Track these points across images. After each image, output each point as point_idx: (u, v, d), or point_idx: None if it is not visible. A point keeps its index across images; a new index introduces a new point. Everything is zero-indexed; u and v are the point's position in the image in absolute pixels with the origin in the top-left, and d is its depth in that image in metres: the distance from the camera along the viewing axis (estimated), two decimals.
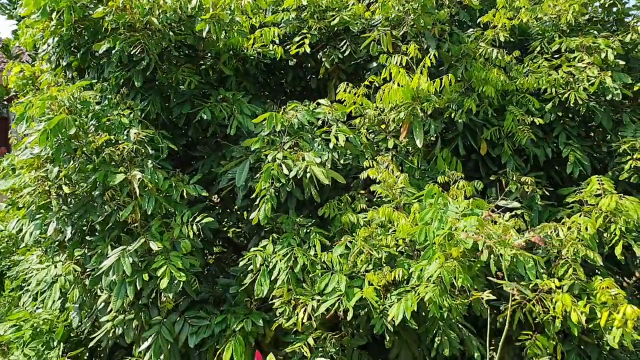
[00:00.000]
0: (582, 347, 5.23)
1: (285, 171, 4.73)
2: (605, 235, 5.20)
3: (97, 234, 5.16)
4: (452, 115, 5.56)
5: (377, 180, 4.85)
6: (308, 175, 4.74)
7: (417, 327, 4.47)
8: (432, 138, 5.43)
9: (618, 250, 5.01)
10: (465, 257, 4.06)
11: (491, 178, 5.71)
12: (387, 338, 4.62)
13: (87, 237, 5.27)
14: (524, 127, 5.66)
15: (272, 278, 4.69)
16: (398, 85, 5.05)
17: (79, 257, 5.26)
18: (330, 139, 5.10)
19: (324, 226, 5.26)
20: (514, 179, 5.59)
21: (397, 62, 5.18)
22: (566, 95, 5.83)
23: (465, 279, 3.94)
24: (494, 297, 3.62)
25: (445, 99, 5.41)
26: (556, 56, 6.25)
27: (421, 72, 5.01)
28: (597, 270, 5.32)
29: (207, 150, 5.83)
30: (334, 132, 5.12)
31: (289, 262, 4.61)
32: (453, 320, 4.64)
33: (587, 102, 5.84)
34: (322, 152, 5.00)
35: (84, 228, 5.19)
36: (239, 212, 5.87)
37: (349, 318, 4.34)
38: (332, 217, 5.17)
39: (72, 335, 5.75)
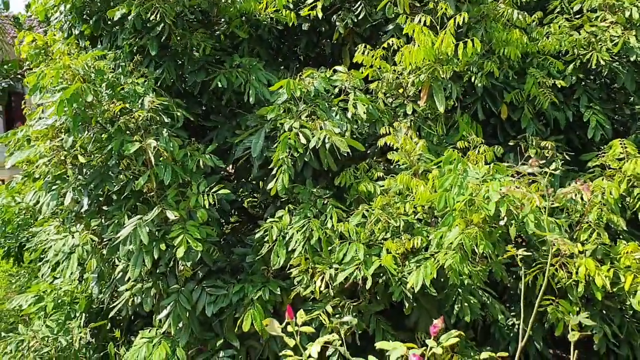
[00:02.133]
0: (605, 311, 5.17)
1: (303, 140, 4.65)
2: (628, 199, 5.10)
3: (113, 203, 5.14)
4: (472, 78, 5.42)
5: (395, 148, 4.75)
6: (327, 145, 4.65)
7: (436, 294, 4.43)
8: (452, 103, 5.30)
9: None
10: (485, 224, 3.98)
11: (510, 143, 5.60)
12: (406, 305, 4.58)
13: (104, 207, 5.26)
14: (545, 90, 5.52)
15: (289, 249, 4.66)
16: (418, 46, 4.91)
17: (95, 227, 5.26)
18: (348, 108, 5.00)
19: (340, 195, 5.20)
20: (534, 143, 5.47)
21: (419, 21, 5.03)
22: (588, 57, 5.65)
23: (487, 246, 3.88)
24: (527, 253, 3.54)
25: (464, 61, 5.26)
26: (577, 16, 6.05)
27: (444, 32, 4.86)
28: (619, 235, 5.22)
29: (222, 119, 5.75)
30: (352, 101, 5.01)
31: (306, 234, 4.56)
32: (473, 287, 4.59)
33: (610, 63, 5.66)
34: (341, 121, 4.91)
35: (100, 198, 5.18)
36: (254, 182, 5.82)
37: (367, 286, 4.30)
38: (349, 186, 5.11)
39: (93, 305, 5.78)
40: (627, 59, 5.77)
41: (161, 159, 4.68)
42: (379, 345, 2.44)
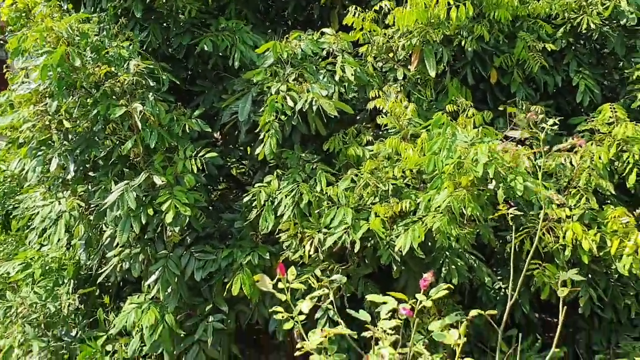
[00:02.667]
0: (590, 275, 5.22)
1: (291, 103, 4.60)
2: (617, 164, 5.10)
3: (100, 169, 5.09)
4: (462, 42, 5.36)
5: (385, 111, 4.72)
6: (314, 107, 4.60)
7: (424, 257, 4.44)
8: (442, 67, 5.25)
9: (632, 179, 4.92)
10: (474, 187, 3.98)
11: (500, 108, 5.57)
12: (394, 268, 4.60)
13: (90, 173, 5.21)
14: (535, 53, 5.47)
15: (278, 213, 4.64)
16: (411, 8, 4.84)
17: (82, 193, 5.22)
18: (336, 70, 4.94)
19: (329, 160, 5.17)
20: (524, 108, 5.45)
21: None
22: (578, 20, 5.60)
23: (475, 208, 3.88)
24: (518, 212, 3.54)
25: (455, 25, 5.20)
26: None
27: None
28: (607, 200, 5.25)
29: (208, 83, 5.68)
30: (340, 64, 4.95)
31: (295, 198, 4.55)
32: (460, 250, 4.61)
33: (601, 27, 5.61)
34: (328, 84, 4.86)
35: (87, 164, 5.13)
36: (242, 148, 5.77)
37: (356, 250, 4.30)
38: (338, 151, 5.08)
39: (81, 272, 5.77)
40: (618, 23, 5.72)
41: (147, 123, 4.62)
42: (369, 297, 2.45)
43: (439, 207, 3.95)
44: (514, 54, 5.52)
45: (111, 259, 5.08)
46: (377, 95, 4.80)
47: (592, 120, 5.37)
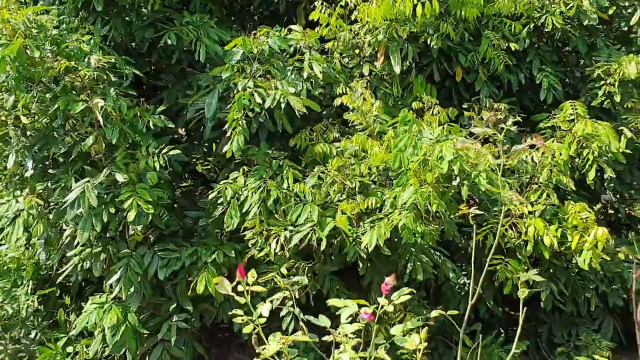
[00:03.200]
0: (552, 270, 5.32)
1: (259, 100, 4.55)
2: (577, 160, 5.20)
3: (59, 167, 4.96)
4: (428, 40, 5.38)
5: (352, 108, 4.71)
6: (282, 105, 4.57)
7: (389, 254, 4.45)
8: (408, 64, 5.26)
9: (591, 175, 5.03)
10: (439, 183, 4.00)
11: (464, 105, 5.62)
12: (360, 265, 4.60)
13: (49, 171, 5.06)
14: (500, 52, 5.54)
15: (244, 211, 4.60)
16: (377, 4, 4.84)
17: (41, 191, 5.06)
18: (304, 67, 4.90)
19: (296, 157, 5.14)
20: (487, 105, 5.51)
21: None
22: (542, 20, 5.68)
23: (440, 205, 3.90)
24: (479, 212, 3.57)
25: (421, 22, 5.21)
26: None
27: None
28: (568, 196, 5.35)
29: (172, 78, 5.58)
30: (308, 61, 4.92)
31: (261, 195, 4.50)
32: (426, 246, 4.64)
33: (563, 26, 5.71)
34: (296, 81, 4.82)
35: (46, 161, 4.98)
36: (207, 145, 5.69)
37: (322, 247, 4.29)
38: (304, 148, 5.06)
39: (40, 272, 5.62)
40: (580, 22, 5.82)
41: (109, 119, 4.51)
42: (330, 302, 2.42)
43: (404, 204, 3.95)
44: (479, 52, 5.57)
45: (72, 259, 4.95)
46: (344, 92, 4.78)
47: (554, 117, 5.47)
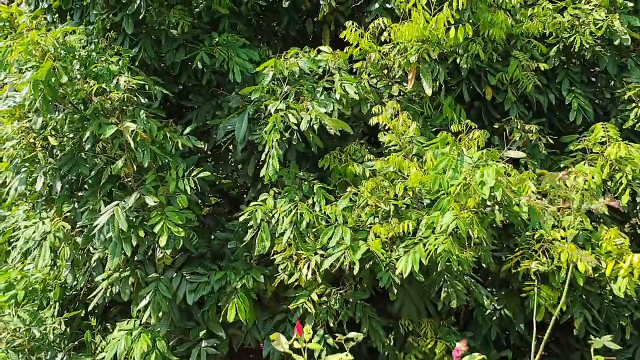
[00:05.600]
0: (584, 296, 5.21)
1: (293, 121, 4.50)
2: (609, 183, 5.11)
3: (87, 188, 4.92)
4: (458, 60, 5.32)
5: (387, 128, 4.64)
6: (316, 126, 4.52)
7: (423, 280, 4.37)
8: (438, 84, 5.21)
9: (625, 199, 4.94)
10: (478, 208, 3.93)
11: (495, 126, 5.55)
12: (394, 291, 4.51)
13: (77, 192, 5.02)
14: (529, 72, 5.47)
15: (276, 234, 4.53)
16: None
17: (68, 214, 5.02)
18: (336, 88, 4.85)
19: (323, 178, 5.08)
20: (519, 127, 5.43)
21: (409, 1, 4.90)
22: (571, 40, 5.61)
23: (481, 231, 3.82)
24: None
25: (450, 43, 5.16)
26: None
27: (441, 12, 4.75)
28: (600, 220, 5.25)
29: (201, 99, 5.54)
30: (339, 81, 4.87)
31: (293, 218, 4.44)
32: (459, 272, 4.55)
33: (593, 47, 5.63)
34: (326, 102, 4.77)
35: (74, 183, 4.94)
36: (233, 164, 5.64)
37: (355, 272, 4.21)
38: (332, 169, 4.99)
39: (66, 294, 5.56)
40: (610, 42, 5.75)
41: (139, 141, 4.46)
42: None
43: (445, 228, 3.86)
44: (508, 72, 5.51)
45: (99, 282, 4.90)
46: (379, 112, 4.72)
47: (584, 139, 5.39)
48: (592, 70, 6.31)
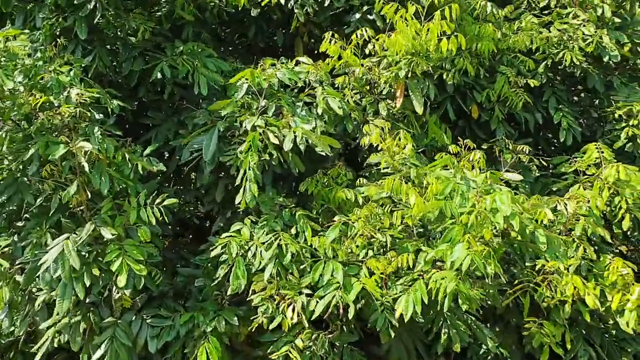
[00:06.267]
0: (584, 331, 4.83)
1: (274, 141, 3.96)
2: (607, 209, 4.78)
3: (29, 218, 4.21)
4: (444, 76, 4.91)
5: (379, 149, 4.14)
6: (302, 146, 3.99)
7: (422, 320, 3.88)
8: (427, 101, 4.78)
9: (626, 224, 4.60)
10: (494, 239, 3.47)
11: (483, 147, 5.16)
12: (387, 333, 3.98)
13: (17, 223, 4.31)
14: (518, 90, 5.13)
15: (253, 270, 3.96)
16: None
17: (5, 249, 4.29)
18: (318, 103, 4.35)
19: (303, 205, 4.55)
20: (510, 147, 5.06)
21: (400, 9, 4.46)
22: (560, 55, 5.30)
23: (497, 266, 3.37)
24: None
25: (437, 57, 4.75)
26: (545, 12, 5.70)
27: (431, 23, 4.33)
28: (596, 247, 4.90)
29: (162, 116, 4.92)
30: (322, 96, 4.37)
31: (275, 251, 3.87)
32: (461, 311, 4.07)
33: (582, 63, 5.33)
34: (309, 118, 4.26)
35: (13, 212, 4.23)
36: (197, 189, 5.01)
37: (350, 315, 3.66)
38: (315, 194, 4.46)
39: (1, 341, 4.77)
40: (598, 59, 5.47)
41: (95, 164, 3.82)
42: None
43: (458, 264, 3.37)
44: (494, 89, 5.15)
45: (44, 330, 4.16)
46: (371, 131, 4.22)
47: (576, 161, 5.06)
48: (573, 88, 6.04)
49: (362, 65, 4.78)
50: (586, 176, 4.87)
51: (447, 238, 3.50)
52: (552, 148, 5.75)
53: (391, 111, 4.71)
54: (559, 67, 5.43)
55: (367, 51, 4.76)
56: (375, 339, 4.41)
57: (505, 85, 5.11)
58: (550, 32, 5.42)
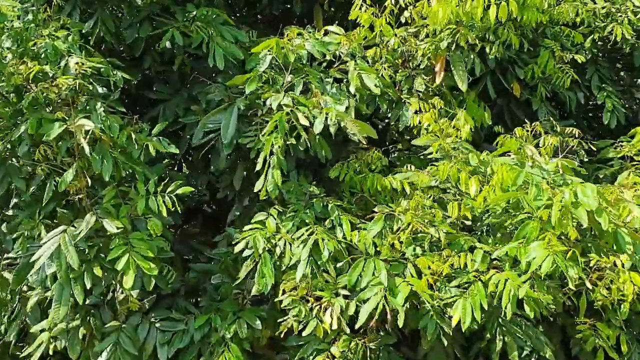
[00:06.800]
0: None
1: (304, 122, 3.41)
2: None
3: (20, 207, 3.65)
4: (487, 48, 4.38)
5: (430, 130, 3.60)
6: (332, 128, 3.45)
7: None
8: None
9: None
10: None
11: (527, 128, 4.66)
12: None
13: (6, 211, 3.74)
14: (564, 65, 4.62)
15: (282, 267, 3.45)
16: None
17: None
18: (350, 79, 3.81)
19: (329, 192, 4.03)
20: (557, 129, 4.56)
21: None
22: (609, 30, 4.79)
23: (580, 270, 2.88)
24: None
25: (481, 27, 4.22)
26: None
27: None
28: None
29: (169, 90, 4.34)
30: (354, 71, 3.83)
31: (310, 248, 3.34)
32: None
33: (631, 39, 4.83)
34: (340, 96, 3.72)
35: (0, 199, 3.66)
36: (211, 174, 4.45)
37: (400, 322, 3.15)
38: (346, 181, 3.94)
39: None
40: None
41: (97, 145, 3.26)
42: None
43: (536, 267, 2.87)
44: (538, 64, 4.64)
45: (37, 334, 3.61)
46: (421, 109, 3.68)
47: (621, 146, 4.58)
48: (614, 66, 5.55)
49: (398, 36, 4.23)
50: (635, 162, 4.41)
51: (520, 235, 2.98)
52: (595, 131, 5.27)
53: (429, 88, 4.18)
54: (604, 42, 4.93)
55: (402, 20, 4.21)
56: (409, 340, 3.94)
57: (550, 60, 4.62)
58: (595, 3, 4.92)
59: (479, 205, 3.13)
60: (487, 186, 3.08)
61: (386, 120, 4.60)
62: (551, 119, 4.66)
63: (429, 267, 3.21)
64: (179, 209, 3.50)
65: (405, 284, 3.23)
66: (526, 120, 4.81)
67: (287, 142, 3.53)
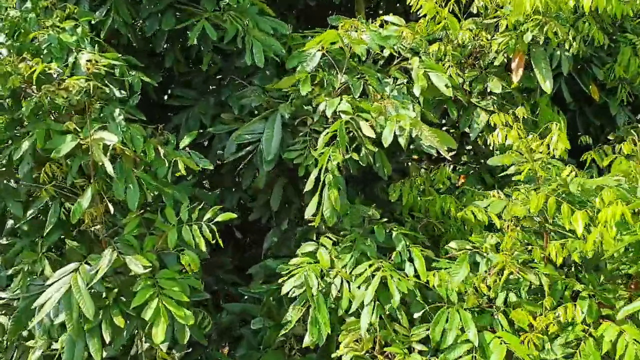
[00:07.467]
0: None
1: (369, 134, 2.76)
2: None
3: (19, 236, 3.00)
4: (567, 45, 3.73)
5: (515, 147, 2.94)
6: (402, 140, 2.80)
7: None
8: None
9: None
10: None
11: (609, 137, 4.05)
12: None
13: (1, 241, 3.09)
14: None
15: (338, 311, 2.80)
16: None
17: None
18: (415, 79, 3.16)
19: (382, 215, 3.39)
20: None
21: None
22: None
23: None
24: None
25: (569, 19, 3.60)
26: None
27: None
28: None
29: (193, 94, 3.69)
30: (420, 70, 3.18)
31: (375, 288, 2.69)
32: None
33: None
34: (405, 101, 3.08)
35: None
36: (243, 191, 3.79)
37: None
38: (408, 203, 3.30)
39: None
40: None
41: (118, 163, 2.61)
42: None
43: None
44: (619, 62, 4.02)
45: None
46: (502, 123, 3.01)
47: None
48: None
49: (468, 29, 3.58)
50: None
51: None
52: None
53: (506, 89, 3.53)
54: None
55: (474, 10, 3.56)
56: None
57: (632, 59, 4.00)
58: None
59: (590, 249, 2.48)
60: (598, 224, 2.43)
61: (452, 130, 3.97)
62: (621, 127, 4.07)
63: (530, 324, 2.56)
64: (219, 240, 2.85)
65: (498, 342, 2.58)
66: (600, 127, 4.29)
67: (346, 157, 2.87)
